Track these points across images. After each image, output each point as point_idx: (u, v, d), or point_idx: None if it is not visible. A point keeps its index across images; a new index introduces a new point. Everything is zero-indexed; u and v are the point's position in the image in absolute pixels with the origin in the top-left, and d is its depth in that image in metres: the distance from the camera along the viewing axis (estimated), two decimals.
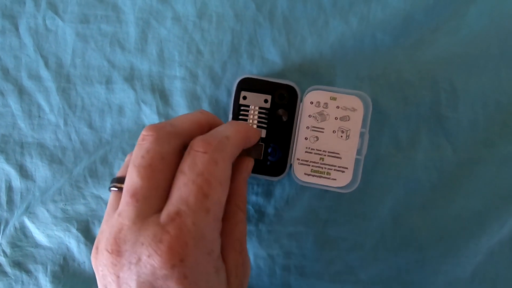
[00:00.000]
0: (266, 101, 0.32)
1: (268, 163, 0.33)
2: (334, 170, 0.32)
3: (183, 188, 0.21)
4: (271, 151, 0.33)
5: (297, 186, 0.35)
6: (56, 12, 0.36)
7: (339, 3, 0.34)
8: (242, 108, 0.32)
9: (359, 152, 0.32)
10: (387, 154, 0.34)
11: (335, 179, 0.32)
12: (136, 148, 0.23)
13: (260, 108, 0.32)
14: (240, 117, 0.32)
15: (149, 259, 0.20)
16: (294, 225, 0.35)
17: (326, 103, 0.32)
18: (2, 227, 0.36)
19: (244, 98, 0.32)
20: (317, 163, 0.33)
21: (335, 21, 0.34)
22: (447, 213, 0.34)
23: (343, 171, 0.32)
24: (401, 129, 0.34)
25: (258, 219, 0.35)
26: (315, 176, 0.33)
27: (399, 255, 0.34)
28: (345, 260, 0.35)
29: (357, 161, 0.32)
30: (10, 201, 0.36)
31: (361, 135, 0.32)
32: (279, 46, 0.35)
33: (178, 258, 0.20)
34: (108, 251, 0.21)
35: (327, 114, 0.32)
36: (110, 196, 0.26)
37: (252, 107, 0.32)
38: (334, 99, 0.32)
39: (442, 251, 0.34)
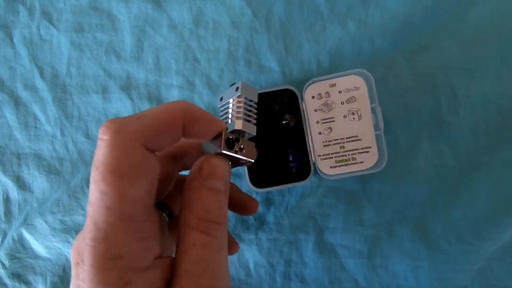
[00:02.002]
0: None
1: (293, 170, 0.32)
2: (358, 153, 0.31)
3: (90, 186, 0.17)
4: (291, 158, 0.32)
5: (296, 194, 0.34)
6: (50, 21, 0.35)
7: (336, 8, 0.33)
8: (221, 109, 0.24)
9: (376, 127, 0.31)
10: (387, 160, 0.33)
11: (362, 162, 0.31)
12: None
13: (245, 99, 0.23)
14: (222, 117, 0.24)
15: None
16: (293, 233, 0.34)
17: (327, 92, 0.31)
18: (0, 239, 0.35)
19: (221, 99, 0.24)
20: (339, 152, 0.31)
21: (333, 26, 0.33)
22: (448, 219, 0.32)
23: (367, 151, 0.31)
24: (401, 135, 0.32)
25: (257, 227, 0.34)
26: (341, 165, 0.31)
27: (398, 261, 0.33)
28: (344, 267, 0.34)
29: (377, 137, 0.31)
30: (7, 213, 0.35)
31: (373, 110, 0.31)
32: (276, 52, 0.33)
33: (77, 256, 0.17)
34: None
35: (332, 102, 0.31)
36: None
37: (230, 100, 0.23)
38: (334, 85, 0.31)
39: (442, 257, 0.33)
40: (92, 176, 0.17)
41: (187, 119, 0.19)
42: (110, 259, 0.16)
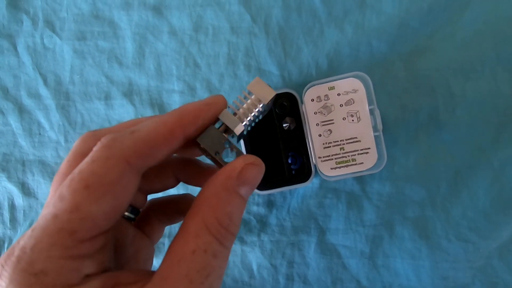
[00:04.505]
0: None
1: (293, 172, 0.31)
2: (358, 154, 0.31)
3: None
4: (292, 160, 0.31)
5: (298, 195, 0.33)
6: (53, 30, 0.34)
7: (334, 12, 0.33)
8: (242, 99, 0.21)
9: (375, 129, 0.30)
10: (386, 161, 0.32)
11: (362, 163, 0.30)
12: None
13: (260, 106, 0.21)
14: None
15: None
16: (295, 234, 0.34)
17: (326, 95, 0.31)
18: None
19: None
20: (339, 154, 0.31)
21: (330, 29, 0.33)
22: (447, 218, 0.32)
23: (367, 152, 0.30)
24: (399, 135, 0.32)
25: (260, 229, 0.34)
26: (342, 167, 0.31)
27: (399, 260, 0.33)
28: (347, 267, 0.33)
29: (376, 138, 0.30)
30: (13, 219, 0.35)
31: (371, 112, 0.30)
32: (275, 56, 0.33)
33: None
34: None
35: (331, 105, 0.31)
36: None
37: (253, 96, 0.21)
38: (333, 88, 0.31)
39: (443, 256, 0.32)
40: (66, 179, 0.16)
41: (186, 125, 0.18)
42: (32, 275, 0.14)
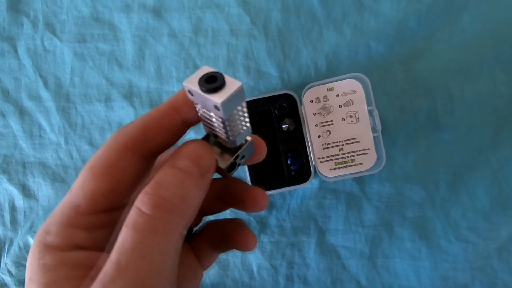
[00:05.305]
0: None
1: (293, 173, 0.31)
2: (357, 155, 0.31)
3: None
4: (291, 161, 0.31)
5: (297, 196, 0.33)
6: (53, 33, 0.35)
7: (332, 14, 0.33)
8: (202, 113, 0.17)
9: (374, 129, 0.30)
10: (385, 162, 0.32)
11: (361, 163, 0.31)
12: None
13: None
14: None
15: None
16: (295, 235, 0.34)
17: (325, 96, 0.31)
18: (6, 247, 0.35)
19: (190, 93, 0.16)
20: (338, 155, 0.31)
21: (329, 31, 0.33)
22: (447, 219, 0.32)
23: (366, 153, 0.31)
24: (398, 136, 0.32)
25: (260, 230, 0.34)
26: (341, 168, 0.31)
27: (399, 261, 0.33)
28: (346, 268, 0.33)
29: (375, 139, 0.30)
30: (13, 221, 0.35)
31: (370, 113, 0.30)
32: (274, 58, 0.33)
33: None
34: None
35: (330, 106, 0.31)
36: None
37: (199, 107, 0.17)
38: (332, 89, 0.31)
39: (443, 256, 0.32)
40: None
41: (179, 107, 0.18)
42: (43, 234, 0.17)
